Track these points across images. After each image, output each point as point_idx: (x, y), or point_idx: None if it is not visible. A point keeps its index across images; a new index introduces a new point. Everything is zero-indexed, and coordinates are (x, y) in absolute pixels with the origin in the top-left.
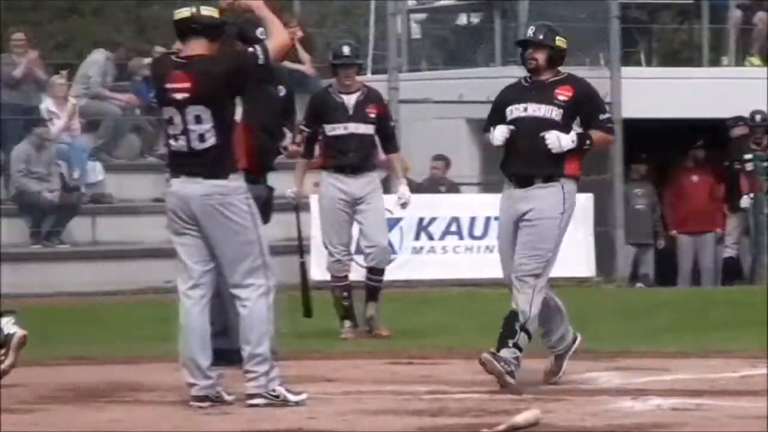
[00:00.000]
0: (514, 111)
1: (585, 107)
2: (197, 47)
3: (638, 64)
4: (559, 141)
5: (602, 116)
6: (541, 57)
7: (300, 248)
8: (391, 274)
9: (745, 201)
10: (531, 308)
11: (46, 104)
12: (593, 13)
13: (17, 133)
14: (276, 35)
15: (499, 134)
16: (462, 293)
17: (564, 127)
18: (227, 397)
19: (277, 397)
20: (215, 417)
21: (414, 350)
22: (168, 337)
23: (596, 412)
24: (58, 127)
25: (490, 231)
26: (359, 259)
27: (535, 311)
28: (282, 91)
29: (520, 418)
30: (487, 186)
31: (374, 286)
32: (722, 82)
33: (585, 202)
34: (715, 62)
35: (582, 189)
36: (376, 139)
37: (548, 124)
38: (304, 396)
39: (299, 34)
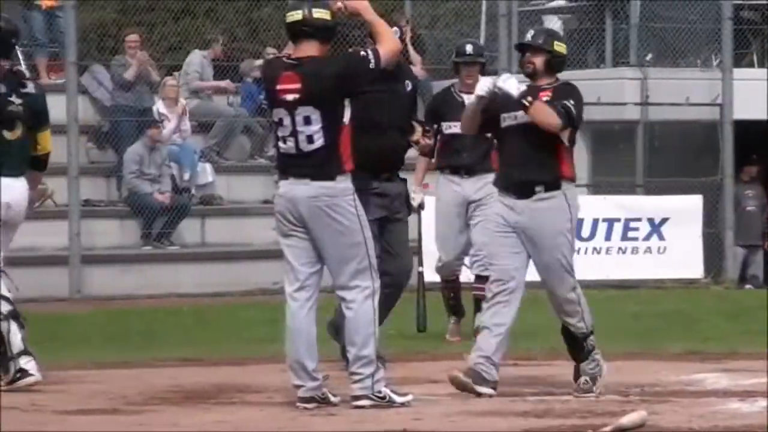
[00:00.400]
0: (507, 119)
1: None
2: (308, 49)
3: (750, 65)
4: (501, 82)
5: (565, 102)
6: (538, 61)
7: (419, 255)
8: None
9: None
10: (585, 323)
11: (158, 106)
12: (705, 14)
13: (131, 134)
14: (386, 40)
15: (483, 83)
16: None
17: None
18: (333, 399)
19: (383, 398)
20: (321, 418)
21: (520, 352)
22: (275, 338)
23: (703, 414)
24: (169, 129)
25: (598, 233)
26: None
27: (588, 322)
28: (408, 86)
29: (626, 420)
30: (595, 188)
31: (482, 295)
32: None
33: (694, 203)
34: None
35: (692, 190)
36: (495, 141)
37: (539, 129)
38: (409, 397)
39: (409, 34)
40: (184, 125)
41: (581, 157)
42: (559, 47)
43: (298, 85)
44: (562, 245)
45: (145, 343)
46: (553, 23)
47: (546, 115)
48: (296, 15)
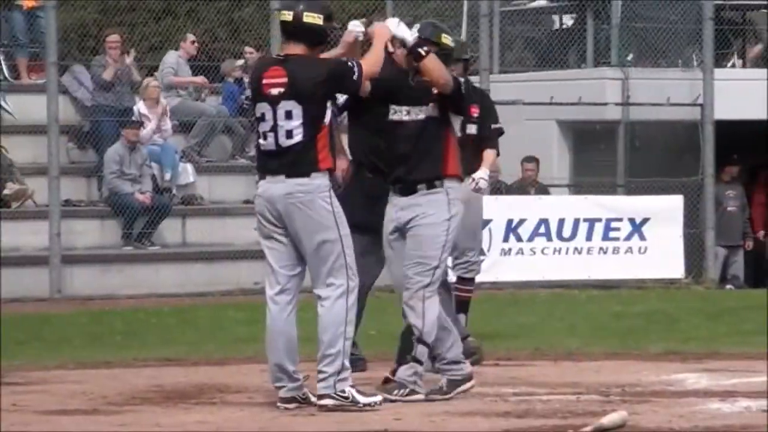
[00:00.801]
0: (397, 113)
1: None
2: (296, 50)
3: (732, 65)
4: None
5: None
6: None
7: None
8: (479, 275)
9: None
10: (423, 321)
11: (139, 106)
12: (686, 14)
13: (111, 135)
14: (374, 62)
15: (352, 26)
16: (550, 295)
17: (444, 122)
18: (314, 399)
19: (346, 398)
20: (302, 418)
21: (501, 352)
22: (256, 338)
23: (684, 414)
24: (149, 130)
25: (579, 233)
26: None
27: (428, 322)
28: None
29: (607, 420)
30: (576, 188)
31: (466, 297)
32: None
33: (675, 203)
34: None
35: (673, 191)
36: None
37: (428, 124)
38: (377, 398)
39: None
40: (165, 125)
41: (563, 157)
42: (446, 40)
43: (284, 80)
44: (432, 237)
45: (125, 344)
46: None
47: (440, 69)
48: (287, 15)
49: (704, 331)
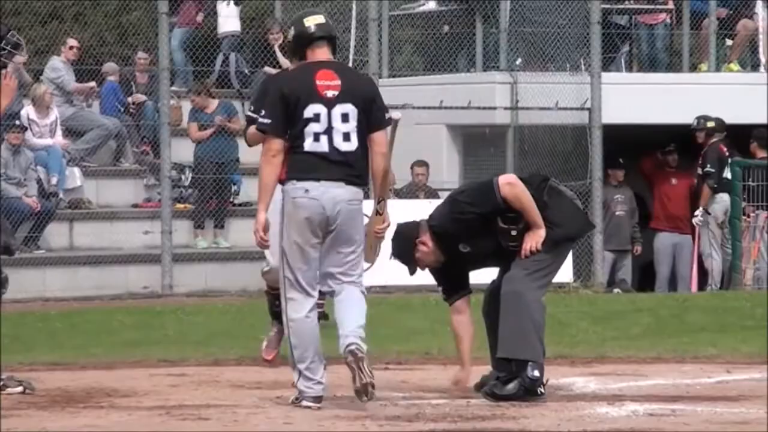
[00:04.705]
0: None
1: None
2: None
3: (618, 69)
4: None
5: None
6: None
7: None
8: (369, 279)
9: (698, 218)
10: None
11: (27, 111)
12: (574, 18)
13: None
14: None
15: None
16: (440, 299)
17: None
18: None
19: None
20: (191, 422)
21: (391, 355)
22: (144, 342)
23: (572, 418)
24: (38, 133)
25: None
26: None
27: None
28: None
29: None
30: None
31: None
32: (702, 88)
33: None
34: (694, 68)
35: None
36: None
37: None
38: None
39: (280, 39)
40: (54, 133)
41: (452, 160)
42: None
43: None
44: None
45: (12, 348)
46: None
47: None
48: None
49: (592, 335)
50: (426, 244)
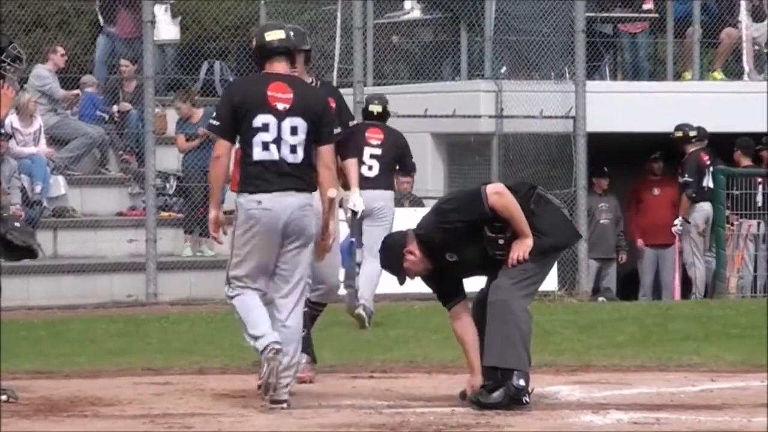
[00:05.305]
0: None
1: None
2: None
3: (603, 78)
4: None
5: None
6: None
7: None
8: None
9: (677, 226)
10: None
11: (11, 120)
12: (559, 26)
13: None
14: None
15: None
16: (424, 308)
17: None
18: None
19: None
20: (176, 431)
21: (376, 364)
22: (128, 350)
23: (556, 426)
24: (22, 142)
25: None
26: None
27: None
28: None
29: None
30: None
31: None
32: (686, 96)
33: None
34: (678, 76)
35: None
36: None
37: None
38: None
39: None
40: (38, 141)
41: (437, 168)
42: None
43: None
44: None
45: None
46: None
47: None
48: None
49: (577, 344)
50: (414, 254)
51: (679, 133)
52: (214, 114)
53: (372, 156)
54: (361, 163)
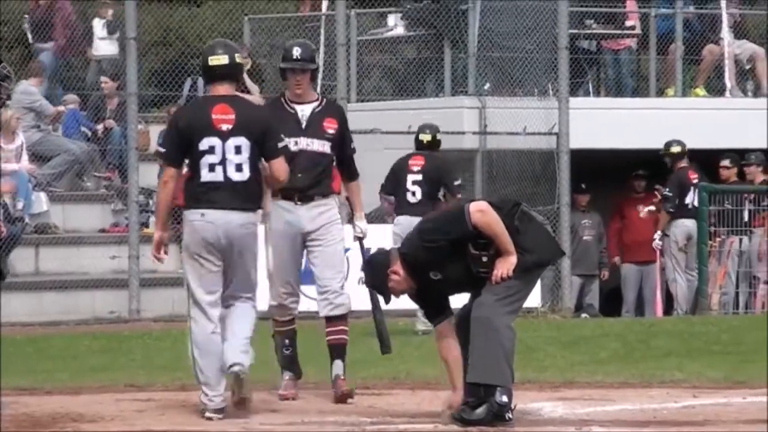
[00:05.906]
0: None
1: None
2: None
3: (586, 94)
4: None
5: None
6: None
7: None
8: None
9: (656, 241)
10: None
11: None
12: (542, 43)
13: None
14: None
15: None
16: (408, 324)
17: None
18: None
19: None
20: None
21: (359, 380)
22: (110, 367)
23: None
24: (3, 158)
25: None
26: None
27: None
28: None
29: None
30: None
31: (337, 340)
32: (669, 113)
33: None
34: (661, 93)
35: None
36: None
37: None
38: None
39: (249, 64)
40: (20, 158)
41: None
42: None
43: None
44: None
45: None
46: None
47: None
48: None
49: (560, 360)
50: (398, 273)
51: (677, 148)
52: (161, 141)
53: (414, 182)
54: (405, 190)
